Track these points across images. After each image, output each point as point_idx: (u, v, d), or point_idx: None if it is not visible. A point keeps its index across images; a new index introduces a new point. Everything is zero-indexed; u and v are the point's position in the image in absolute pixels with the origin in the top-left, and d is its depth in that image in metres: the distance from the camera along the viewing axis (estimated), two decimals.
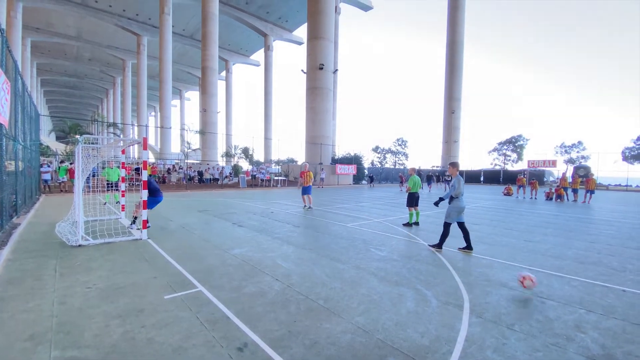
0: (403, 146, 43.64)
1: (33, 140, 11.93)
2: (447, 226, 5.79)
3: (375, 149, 43.61)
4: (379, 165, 40.42)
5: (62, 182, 16.16)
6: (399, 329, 2.89)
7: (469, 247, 5.71)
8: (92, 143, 7.45)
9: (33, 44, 44.24)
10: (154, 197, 6.95)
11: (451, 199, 5.76)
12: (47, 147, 26.66)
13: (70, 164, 16.37)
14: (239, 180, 24.07)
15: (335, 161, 30.78)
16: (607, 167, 32.40)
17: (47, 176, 16.14)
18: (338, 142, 40.52)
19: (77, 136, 20.66)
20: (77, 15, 39.38)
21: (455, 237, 6.88)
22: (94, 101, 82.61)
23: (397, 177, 31.63)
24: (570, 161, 35.09)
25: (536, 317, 3.20)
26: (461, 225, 5.78)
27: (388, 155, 43.85)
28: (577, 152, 35.02)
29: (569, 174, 22.47)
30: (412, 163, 43.63)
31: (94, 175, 11.67)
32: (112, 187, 11.89)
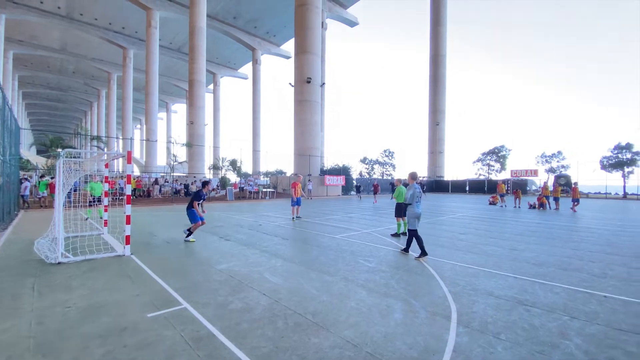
0: (390, 157, 44.16)
1: (12, 155, 11.58)
2: (411, 232, 6.21)
3: (363, 160, 43.97)
4: (367, 176, 40.71)
5: (42, 197, 15.64)
6: (387, 342, 2.88)
7: (423, 253, 6.06)
8: (74, 157, 7.29)
9: (15, 56, 43.37)
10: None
11: (407, 206, 6.32)
12: (27, 161, 25.86)
13: (51, 178, 15.90)
14: (226, 193, 23.82)
15: (324, 172, 30.89)
16: (586, 176, 33.50)
17: (26, 191, 15.60)
18: (326, 153, 40.74)
19: (59, 150, 20.17)
20: (62, 28, 38.99)
21: (444, 246, 6.96)
22: (78, 114, 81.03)
23: (387, 186, 31.70)
24: (551, 170, 36.13)
25: (522, 325, 3.24)
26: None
27: (376, 166, 44.26)
28: (557, 161, 36.11)
29: (550, 183, 23.13)
30: (399, 174, 44.18)
31: (75, 190, 11.34)
32: (95, 202, 11.58)
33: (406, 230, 8.47)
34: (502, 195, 19.57)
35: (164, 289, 4.20)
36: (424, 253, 6.01)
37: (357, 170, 38.52)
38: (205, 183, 8.07)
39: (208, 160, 32.79)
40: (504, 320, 3.35)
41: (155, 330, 3.04)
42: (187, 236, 7.56)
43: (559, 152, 36.24)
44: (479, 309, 3.63)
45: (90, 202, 11.74)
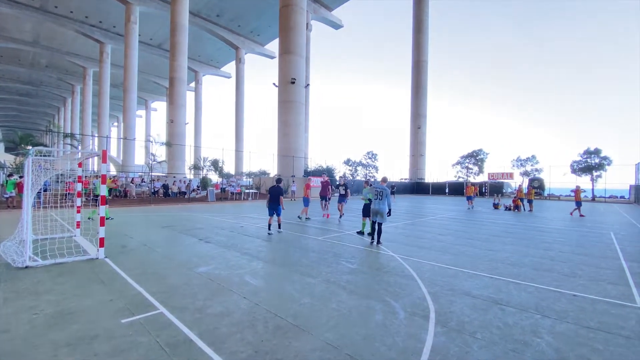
0: (373, 159, 44.66)
1: None
2: (373, 224, 7.49)
3: (347, 162, 44.27)
4: (351, 178, 41.00)
5: (10, 197, 14.83)
6: (367, 343, 2.90)
7: (378, 241, 7.40)
8: (45, 155, 6.95)
9: None
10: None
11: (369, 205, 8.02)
12: None
13: (20, 177, 15.10)
14: (207, 194, 23.35)
15: (307, 174, 30.86)
16: (557, 179, 35.05)
17: None
18: (310, 154, 40.71)
19: (29, 147, 19.18)
20: (35, 20, 37.15)
21: (424, 247, 7.10)
22: (50, 110, 77.45)
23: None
24: (525, 173, 37.58)
25: (496, 324, 3.34)
26: (374, 223, 7.46)
27: (359, 168, 44.64)
28: (532, 165, 37.61)
29: (525, 186, 24.05)
30: (382, 175, 44.79)
31: (45, 190, 10.82)
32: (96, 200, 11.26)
33: (369, 231, 8.28)
34: (469, 198, 19.31)
35: (139, 294, 4.07)
36: (377, 240, 7.46)
37: (340, 171, 38.71)
38: None
39: (189, 160, 32.13)
40: (480, 319, 3.44)
41: (129, 337, 2.94)
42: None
43: (533, 157, 37.74)
44: (456, 309, 3.72)
45: (93, 200, 11.50)
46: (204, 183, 27.02)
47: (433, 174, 61.53)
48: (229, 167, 37.70)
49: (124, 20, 35.74)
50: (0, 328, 3.09)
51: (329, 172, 33.24)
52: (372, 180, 41.07)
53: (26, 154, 5.88)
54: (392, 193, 25.81)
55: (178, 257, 6.04)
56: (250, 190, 26.43)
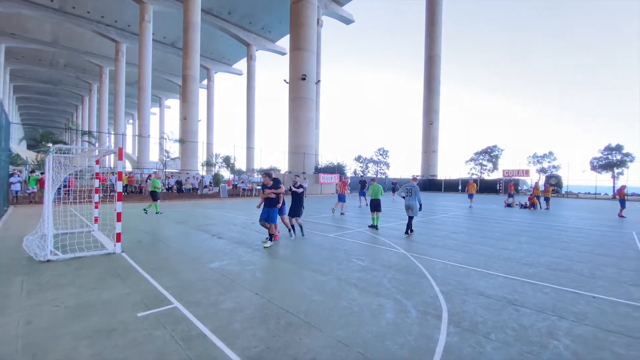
0: (384, 156, 44.35)
1: (2, 149, 11.34)
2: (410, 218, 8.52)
3: (358, 159, 44.09)
4: (361, 175, 40.82)
5: (32, 192, 15.38)
6: (378, 341, 2.89)
7: (410, 232, 8.41)
8: (65, 152, 7.16)
9: (7, 49, 42.50)
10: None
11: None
12: (17, 155, 25.36)
13: (41, 173, 15.63)
14: (219, 190, 23.67)
15: (318, 170, 30.86)
16: (576, 176, 34.00)
17: (16, 186, 15.32)
18: (321, 151, 40.67)
19: (49, 145, 19.81)
20: (54, 21, 38.20)
21: (437, 246, 7.02)
22: (69, 108, 79.70)
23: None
24: (542, 170, 36.62)
25: (511, 325, 3.28)
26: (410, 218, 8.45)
27: (370, 165, 44.40)
28: (549, 162, 36.62)
29: (541, 183, 23.43)
30: (393, 172, 44.40)
31: (65, 186, 11.16)
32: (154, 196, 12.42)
33: (377, 224, 9.65)
34: (470, 196, 18.75)
35: (154, 288, 4.16)
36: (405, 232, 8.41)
37: (351, 168, 38.60)
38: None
39: (201, 156, 32.57)
40: (494, 320, 3.39)
41: (145, 330, 3.01)
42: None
43: (550, 153, 36.75)
44: (469, 309, 3.66)
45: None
46: (216, 179, 27.41)
47: (446, 171, 60.63)
48: (241, 164, 38.04)
49: (139, 19, 36.35)
50: (23, 319, 3.22)
51: (339, 169, 33.15)
52: (384, 177, 40.79)
53: (47, 152, 6.07)
54: (393, 190, 25.59)
55: (191, 253, 6.16)
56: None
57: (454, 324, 3.26)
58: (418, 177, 41.43)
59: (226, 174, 30.16)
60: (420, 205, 8.39)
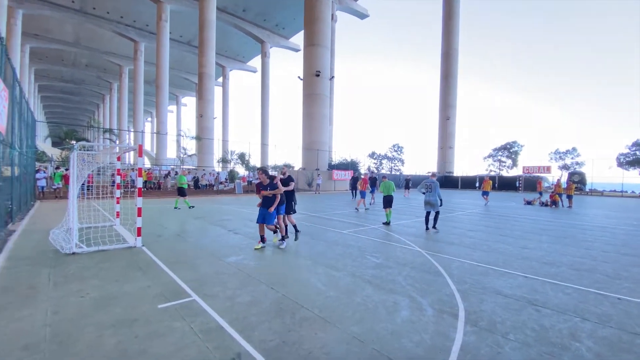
0: (399, 152, 43.83)
1: (29, 146, 11.87)
2: (428, 214, 8.81)
3: (372, 155, 43.75)
4: (376, 171, 40.51)
5: (57, 188, 16.05)
6: (393, 339, 2.88)
7: (434, 227, 8.77)
8: (88, 149, 7.42)
9: (31, 50, 44.18)
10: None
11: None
12: (43, 152, 26.48)
13: (66, 169, 16.27)
14: (235, 186, 24.01)
15: (332, 167, 30.83)
16: (602, 173, 32.68)
17: (42, 182, 16.02)
18: (335, 147, 40.58)
19: (73, 142, 20.56)
20: (75, 21, 39.49)
21: (453, 244, 6.91)
22: (91, 106, 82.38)
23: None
24: (564, 167, 35.34)
25: (531, 325, 3.20)
26: (429, 214, 8.75)
27: (384, 161, 43.99)
28: (572, 158, 35.27)
29: (564, 180, 22.61)
30: (408, 169, 43.87)
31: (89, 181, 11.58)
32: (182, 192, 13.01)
33: (389, 220, 9.71)
34: (485, 193, 18.06)
35: (173, 281, 4.28)
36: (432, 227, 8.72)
37: (365, 165, 38.34)
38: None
39: (217, 153, 33.09)
40: (512, 320, 3.31)
41: (165, 322, 3.11)
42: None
43: (574, 149, 35.41)
44: (487, 308, 3.60)
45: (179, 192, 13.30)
46: (232, 176, 27.80)
47: (462, 168, 59.37)
48: (255, 161, 38.46)
49: (156, 19, 37.10)
50: (51, 310, 3.37)
51: (353, 165, 33.00)
52: (398, 173, 40.33)
53: (71, 149, 6.31)
54: (407, 187, 25.11)
55: (209, 247, 6.29)
56: None
57: (471, 323, 3.21)
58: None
59: (241, 171, 30.56)
60: (441, 200, 8.58)
